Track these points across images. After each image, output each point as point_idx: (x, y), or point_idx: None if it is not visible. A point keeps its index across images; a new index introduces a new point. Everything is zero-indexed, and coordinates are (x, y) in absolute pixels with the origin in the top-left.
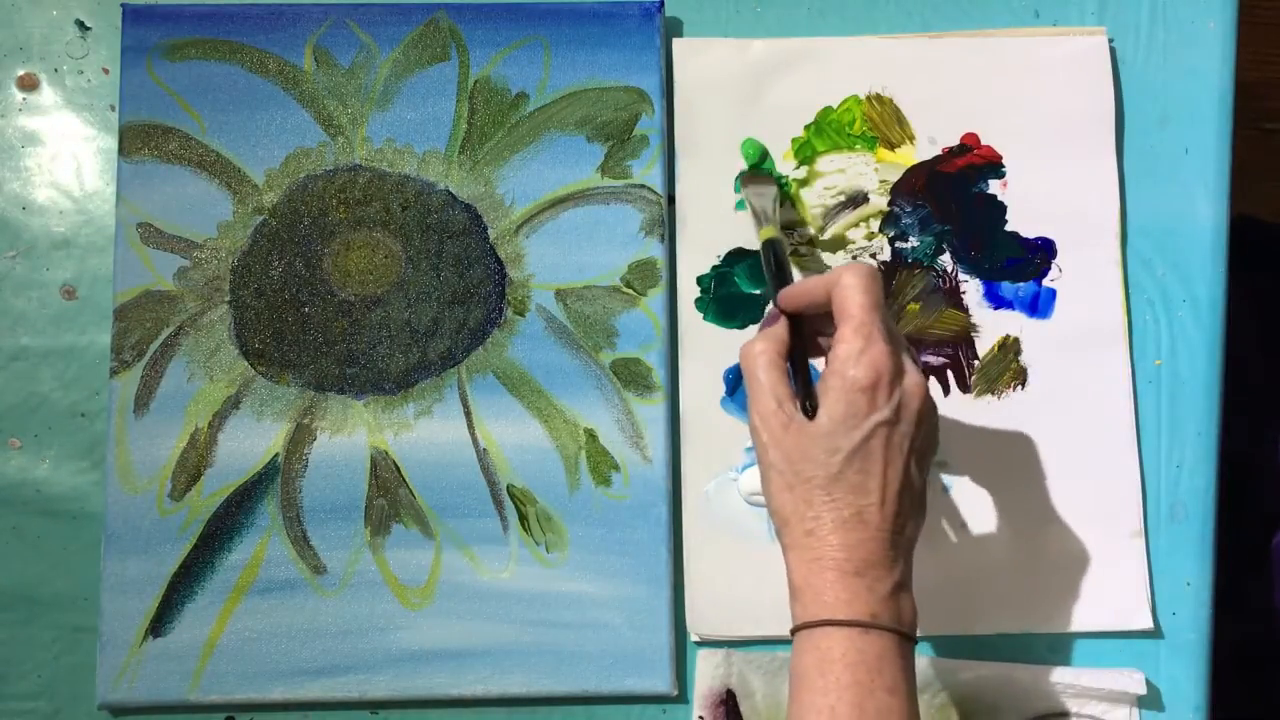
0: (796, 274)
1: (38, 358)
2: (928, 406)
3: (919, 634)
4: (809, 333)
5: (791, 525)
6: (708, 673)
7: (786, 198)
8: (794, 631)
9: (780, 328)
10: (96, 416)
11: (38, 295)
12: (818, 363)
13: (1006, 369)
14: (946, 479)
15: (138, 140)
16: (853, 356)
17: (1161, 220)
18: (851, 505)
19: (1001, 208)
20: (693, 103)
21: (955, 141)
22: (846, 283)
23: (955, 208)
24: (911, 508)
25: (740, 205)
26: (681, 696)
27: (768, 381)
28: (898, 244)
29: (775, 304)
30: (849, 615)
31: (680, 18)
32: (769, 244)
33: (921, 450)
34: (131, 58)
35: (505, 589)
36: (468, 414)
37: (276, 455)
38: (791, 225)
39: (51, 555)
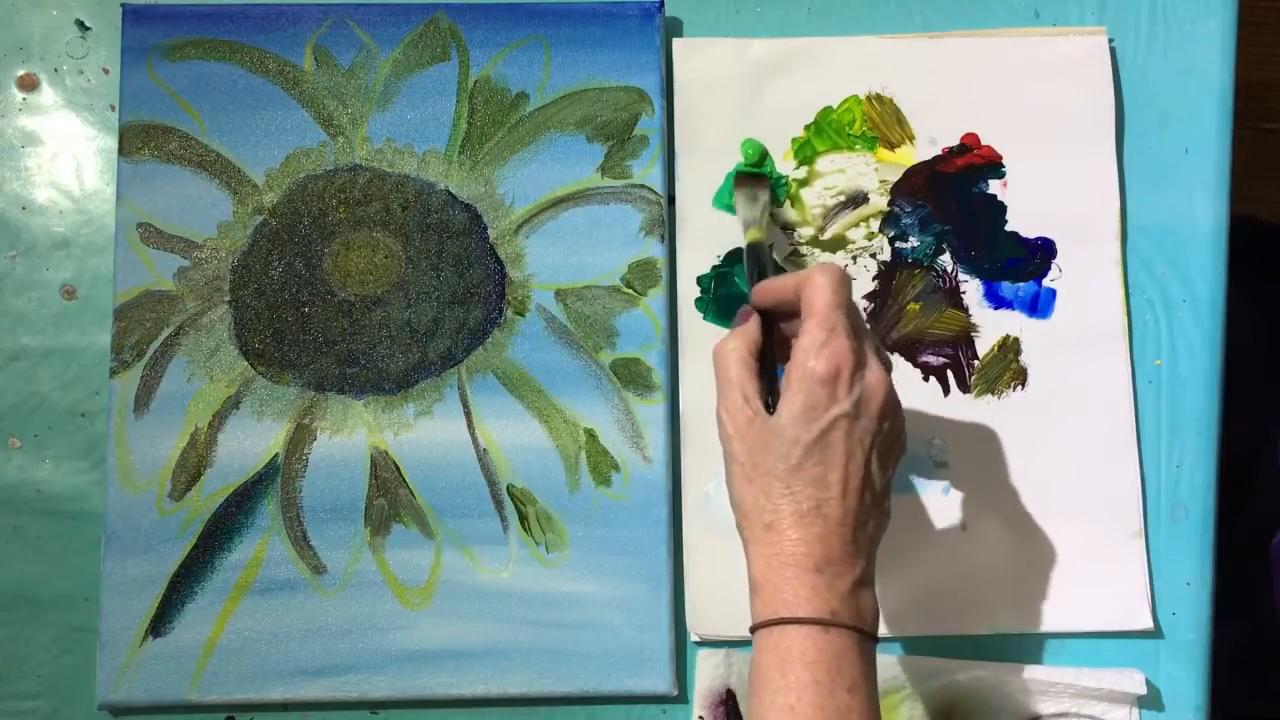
0: None
1: (38, 358)
2: (891, 403)
3: (917, 633)
4: (782, 338)
5: (751, 519)
6: (708, 673)
7: (779, 200)
8: (754, 629)
9: (752, 325)
10: (96, 416)
11: (38, 295)
12: None
13: (1006, 369)
14: (947, 479)
15: (138, 140)
16: (814, 348)
17: (1161, 220)
18: (811, 498)
19: (1001, 208)
20: (693, 103)
21: (955, 141)
22: (815, 280)
23: (955, 208)
24: (872, 504)
25: (718, 204)
26: (681, 696)
27: (737, 378)
28: (898, 244)
29: (750, 300)
30: (809, 613)
31: (680, 18)
32: (753, 248)
33: (884, 448)
34: (131, 58)
35: (505, 589)
36: (468, 414)
37: (276, 455)
38: (791, 225)
39: (51, 555)
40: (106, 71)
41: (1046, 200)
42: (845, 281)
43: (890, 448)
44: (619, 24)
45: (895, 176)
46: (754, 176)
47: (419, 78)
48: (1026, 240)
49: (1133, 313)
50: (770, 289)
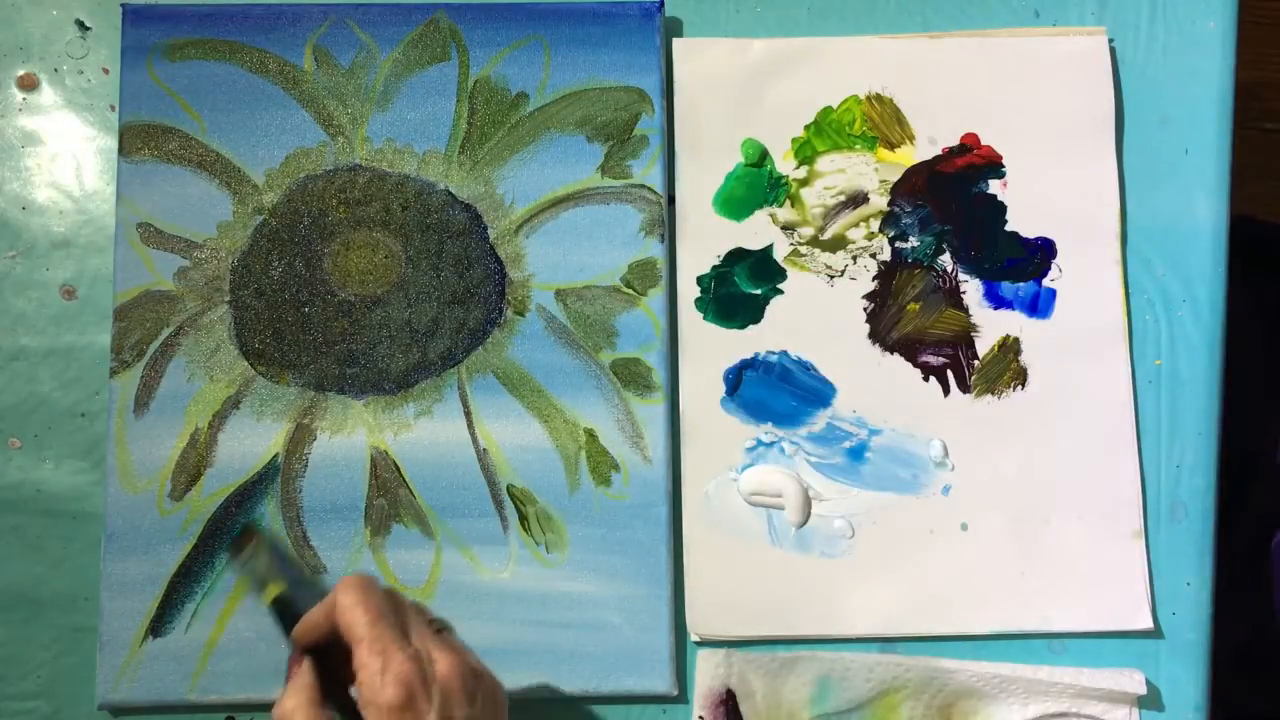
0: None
1: (38, 358)
2: (468, 681)
3: (917, 633)
4: (346, 663)
5: None
6: (708, 673)
7: (779, 200)
8: None
9: (306, 673)
10: (96, 416)
11: (38, 295)
12: None
13: (1006, 369)
14: (947, 479)
15: (138, 140)
16: (377, 678)
17: (1161, 220)
18: None
19: (1001, 208)
20: (693, 103)
21: (955, 141)
22: (343, 603)
23: (955, 208)
24: None
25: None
26: (681, 696)
27: None
28: (898, 244)
29: (292, 648)
30: None
31: (680, 18)
32: (276, 603)
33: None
34: (131, 58)
35: (505, 589)
36: (468, 414)
37: (276, 455)
38: (791, 225)
39: (51, 555)
40: (106, 71)
41: (1046, 200)
42: (373, 589)
43: (494, 715)
44: (619, 24)
45: (895, 176)
46: (237, 540)
47: (419, 78)
48: (1026, 240)
49: (1133, 313)
50: (307, 628)
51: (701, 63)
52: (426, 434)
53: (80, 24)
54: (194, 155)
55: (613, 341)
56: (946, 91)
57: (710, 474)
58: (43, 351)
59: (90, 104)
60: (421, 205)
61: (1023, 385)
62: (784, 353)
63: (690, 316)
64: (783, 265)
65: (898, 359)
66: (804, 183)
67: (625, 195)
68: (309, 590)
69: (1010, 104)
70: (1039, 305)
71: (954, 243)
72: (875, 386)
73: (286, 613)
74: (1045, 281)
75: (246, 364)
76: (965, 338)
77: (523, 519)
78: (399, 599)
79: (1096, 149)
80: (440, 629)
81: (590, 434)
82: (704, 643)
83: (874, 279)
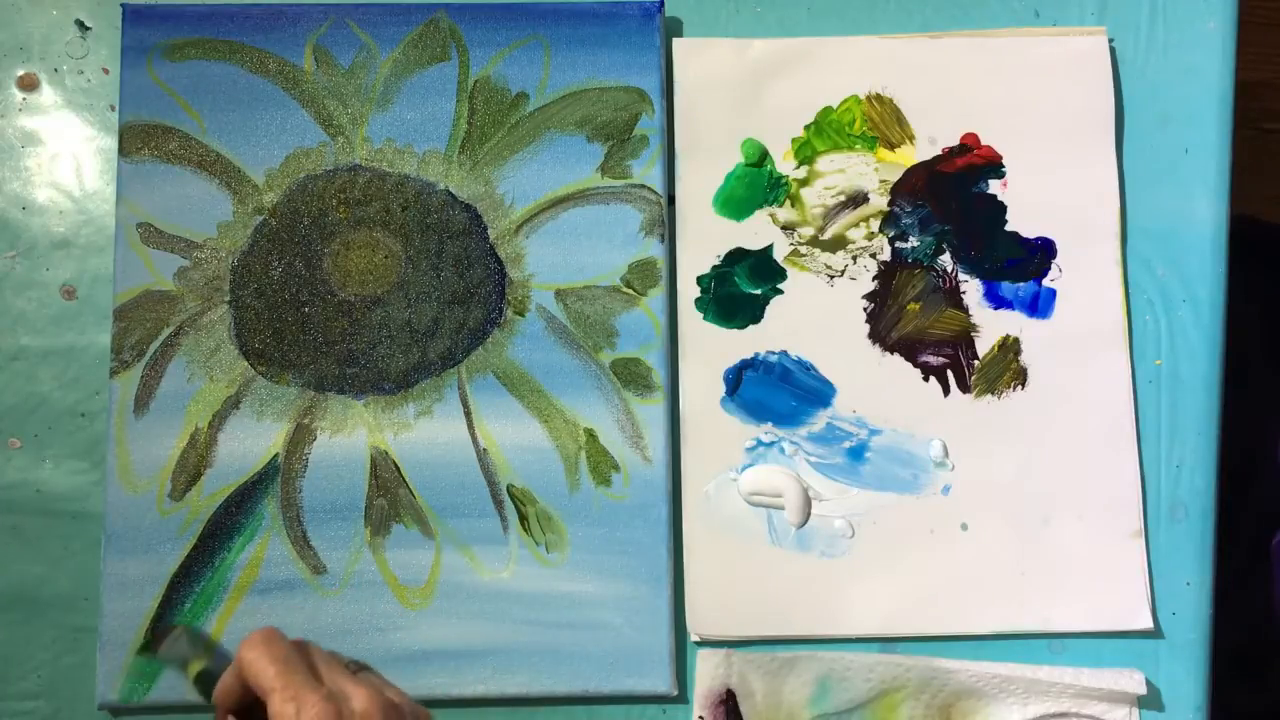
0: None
1: (38, 358)
2: (389, 712)
3: (917, 633)
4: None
5: None
6: (708, 673)
7: (779, 200)
8: None
9: None
10: (96, 416)
11: (38, 295)
12: None
13: (1006, 369)
14: (947, 479)
15: (138, 140)
16: None
17: (1161, 220)
18: None
19: (1001, 208)
20: (693, 103)
21: (955, 141)
22: (246, 659)
23: (955, 208)
24: None
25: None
26: (681, 696)
27: None
28: (898, 244)
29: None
30: None
31: (680, 18)
32: (199, 679)
33: None
34: (131, 58)
35: (505, 589)
36: (468, 414)
37: (276, 455)
38: (791, 225)
39: (51, 555)
40: (106, 71)
41: (1046, 200)
42: (275, 638)
43: None
44: (619, 24)
45: (895, 176)
46: (157, 636)
47: (419, 78)
48: (1026, 240)
49: (1133, 313)
50: (225, 691)
51: (701, 63)
52: (426, 434)
53: (80, 24)
54: (194, 155)
55: (613, 341)
56: (946, 91)
57: (710, 474)
58: (43, 351)
59: (90, 104)
60: (421, 205)
61: (1023, 385)
62: (784, 353)
63: (690, 316)
64: (783, 265)
65: (898, 359)
66: (804, 183)
67: (625, 195)
68: (229, 664)
69: (1010, 104)
70: (1039, 305)
71: (954, 243)
72: (875, 386)
73: (211, 686)
74: (1045, 281)
75: (246, 364)
76: (965, 338)
77: (523, 519)
78: (306, 645)
79: (1096, 149)
80: (357, 669)
81: (590, 434)
82: (704, 643)
83: (874, 279)
